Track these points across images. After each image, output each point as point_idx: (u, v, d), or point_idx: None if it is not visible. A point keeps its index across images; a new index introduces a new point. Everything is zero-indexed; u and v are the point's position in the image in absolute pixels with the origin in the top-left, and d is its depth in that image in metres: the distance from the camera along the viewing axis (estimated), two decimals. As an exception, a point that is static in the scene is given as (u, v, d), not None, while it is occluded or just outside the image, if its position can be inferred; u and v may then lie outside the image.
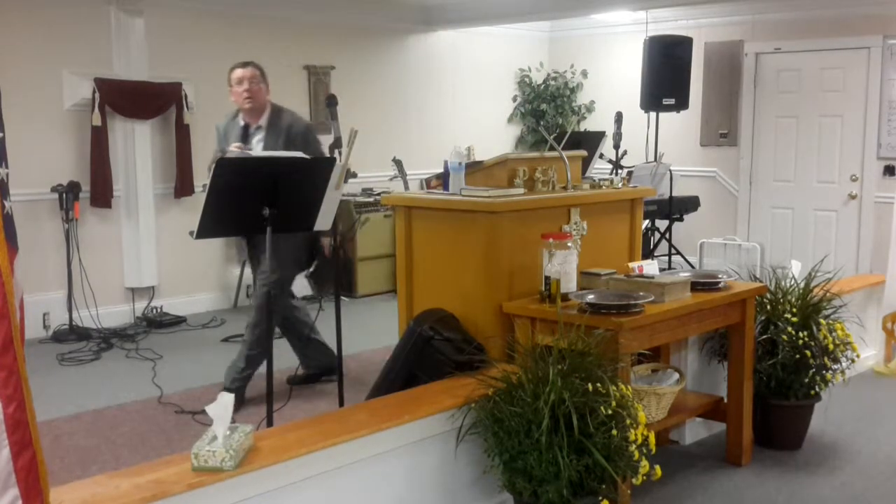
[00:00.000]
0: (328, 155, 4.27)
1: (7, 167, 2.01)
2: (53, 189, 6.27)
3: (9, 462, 1.89)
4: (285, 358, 4.95)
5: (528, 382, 2.94)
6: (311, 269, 4.83)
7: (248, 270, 6.63)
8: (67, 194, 6.26)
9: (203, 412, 3.43)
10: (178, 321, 6.70)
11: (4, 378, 1.89)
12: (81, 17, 6.43)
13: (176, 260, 6.98)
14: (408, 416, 3.00)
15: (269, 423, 3.56)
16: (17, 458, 1.90)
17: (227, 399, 2.58)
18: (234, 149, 4.47)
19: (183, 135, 6.87)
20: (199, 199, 4.22)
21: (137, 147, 6.74)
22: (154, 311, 6.77)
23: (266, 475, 2.58)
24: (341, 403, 4.05)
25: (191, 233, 3.75)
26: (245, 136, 4.61)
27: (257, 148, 4.57)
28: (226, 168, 3.45)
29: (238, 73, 4.69)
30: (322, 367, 4.96)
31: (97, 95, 6.39)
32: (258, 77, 4.69)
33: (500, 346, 3.51)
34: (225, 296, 7.32)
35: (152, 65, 6.72)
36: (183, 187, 6.90)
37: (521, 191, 3.89)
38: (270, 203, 3.50)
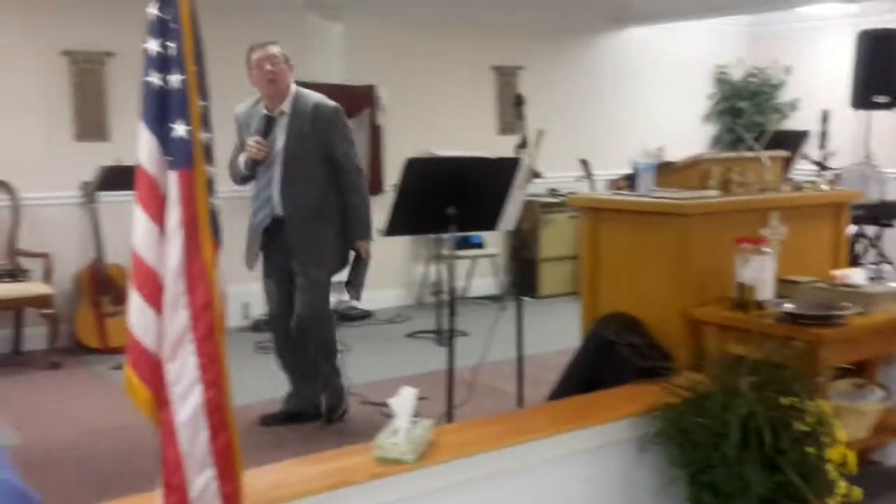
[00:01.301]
0: (353, 144, 4.24)
1: (214, 166, 2.12)
2: (256, 186, 6.63)
3: (207, 443, 2.00)
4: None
5: (717, 393, 2.81)
6: (349, 276, 4.38)
7: (432, 267, 6.77)
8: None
9: (387, 404, 3.52)
10: (366, 315, 6.92)
11: (206, 364, 2.01)
12: (282, 22, 6.76)
13: (365, 256, 7.20)
14: (589, 420, 2.94)
15: (450, 419, 3.60)
16: (215, 439, 2.01)
17: (409, 393, 2.62)
18: (252, 143, 4.11)
19: (375, 135, 7.10)
20: (388, 197, 4.33)
21: (333, 147, 7.00)
22: (344, 304, 7.03)
23: (445, 470, 2.61)
24: (520, 404, 4.04)
25: (379, 230, 3.86)
26: (268, 125, 4.14)
27: (280, 137, 4.16)
28: (415, 167, 3.52)
29: (259, 53, 4.20)
30: (304, 409, 4.48)
31: (297, 98, 6.70)
32: (281, 57, 4.20)
33: (687, 353, 3.38)
34: (409, 292, 7.49)
35: (348, 68, 6.98)
36: (373, 186, 7.11)
37: (715, 193, 3.73)
38: (455, 202, 3.53)
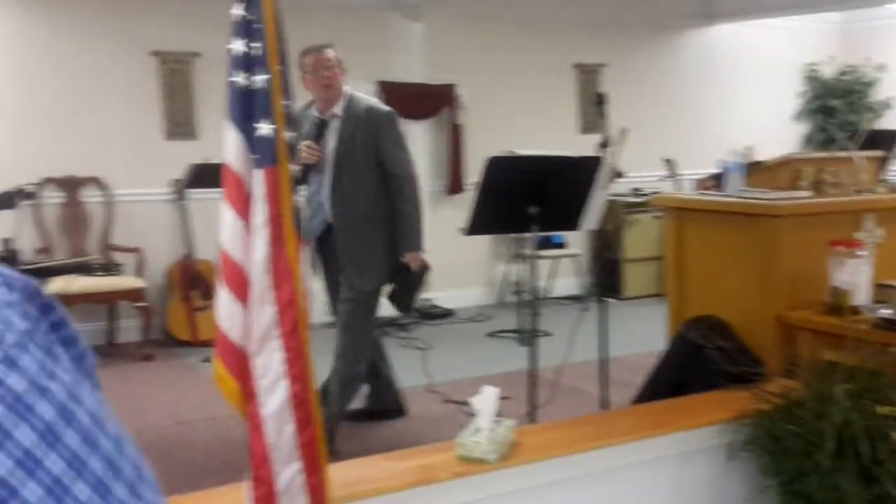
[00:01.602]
0: (405, 150, 4.07)
1: (296, 165, 2.15)
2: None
3: (293, 437, 2.03)
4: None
5: (811, 400, 2.72)
6: (393, 287, 4.13)
7: (513, 267, 6.74)
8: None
9: (468, 403, 3.51)
10: (447, 314, 6.93)
11: (291, 359, 2.03)
12: (365, 23, 6.83)
13: (446, 255, 7.21)
14: (675, 425, 2.88)
15: (532, 420, 3.57)
16: (301, 433, 2.03)
17: (491, 392, 2.61)
18: (304, 147, 3.93)
19: (456, 134, 7.11)
20: (469, 196, 4.32)
21: (414, 146, 7.00)
22: (426, 303, 7.06)
23: (527, 471, 2.58)
24: (605, 406, 3.98)
25: (461, 229, 3.86)
26: (320, 129, 3.98)
27: (331, 141, 4.01)
28: (496, 166, 3.50)
29: (314, 57, 4.03)
30: (386, 405, 4.50)
31: (379, 98, 6.76)
32: (336, 61, 4.05)
33: (778, 358, 3.27)
34: (491, 291, 7.48)
35: (429, 67, 7.00)
36: (455, 185, 7.14)
37: (807, 193, 3.61)
38: (537, 202, 3.50)
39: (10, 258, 3.98)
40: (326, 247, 4.11)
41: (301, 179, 3.99)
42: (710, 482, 2.96)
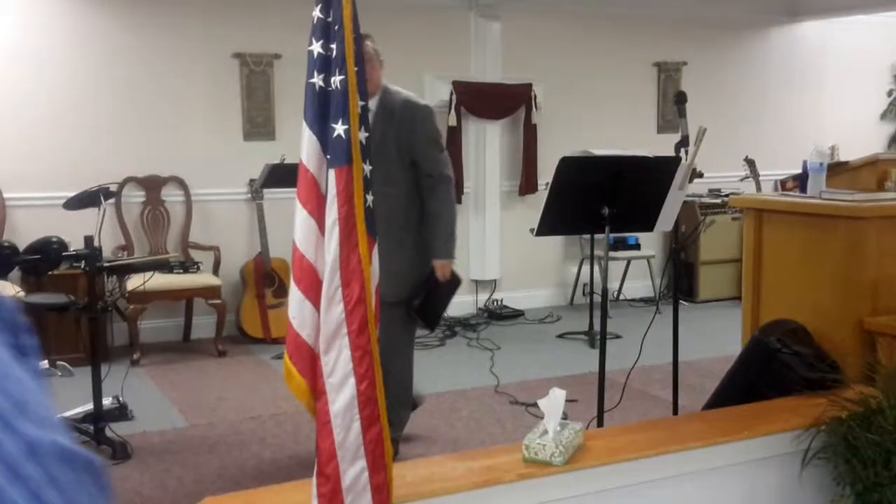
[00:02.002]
0: (442, 149, 3.78)
1: (370, 164, 2.16)
2: (412, 184, 6.75)
3: (359, 435, 2.04)
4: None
5: (891, 409, 2.62)
6: (419, 300, 3.74)
7: (585, 268, 6.68)
8: (423, 189, 6.71)
9: (535, 405, 3.50)
10: (517, 314, 6.91)
11: (359, 357, 2.05)
12: (443, 23, 6.85)
13: (517, 255, 7.20)
14: (748, 431, 2.81)
15: (600, 423, 3.54)
16: (367, 431, 2.05)
17: (559, 394, 2.59)
18: None
19: (530, 134, 7.08)
20: (542, 196, 4.29)
21: (488, 146, 7.05)
22: (495, 303, 7.05)
23: (594, 475, 2.56)
24: (675, 412, 3.91)
25: (532, 230, 3.83)
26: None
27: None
28: (568, 166, 3.47)
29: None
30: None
31: (454, 97, 6.78)
32: (374, 53, 3.74)
33: (857, 365, 3.17)
34: (562, 292, 7.42)
35: (505, 67, 6.99)
36: (528, 185, 7.11)
37: (893, 195, 3.49)
38: (611, 202, 3.46)
39: (92, 255, 4.12)
40: None
41: None
42: (784, 490, 2.88)
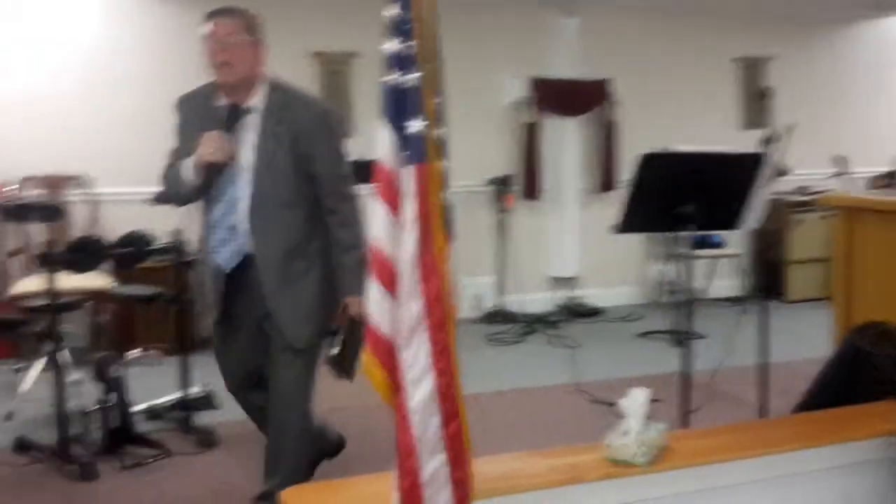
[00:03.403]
0: (344, 159, 3.11)
1: (447, 161, 2.17)
2: (489, 182, 6.74)
3: (438, 430, 2.05)
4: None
5: None
6: (337, 348, 3.03)
7: (668, 266, 6.57)
8: (502, 187, 6.70)
9: (617, 404, 3.46)
10: (597, 312, 6.84)
11: (438, 353, 2.05)
12: (521, 19, 6.82)
13: (597, 253, 7.12)
14: (838, 436, 2.72)
15: (684, 424, 3.47)
16: (446, 426, 2.05)
17: (641, 394, 2.55)
18: (210, 139, 2.89)
19: (609, 131, 7.00)
20: (621, 194, 4.23)
21: (566, 143, 7.00)
22: (574, 300, 6.99)
23: (677, 477, 2.51)
24: (763, 414, 3.81)
25: (611, 227, 3.78)
26: (230, 120, 2.95)
27: (248, 143, 2.98)
28: (649, 163, 3.41)
29: (214, 26, 2.96)
30: (325, 450, 3.61)
31: (532, 94, 6.75)
32: (240, 31, 2.99)
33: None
34: (643, 291, 7.32)
35: (584, 63, 6.92)
36: (607, 182, 7.03)
37: None
38: (694, 200, 3.39)
39: (178, 247, 4.26)
40: (237, 285, 3.05)
41: (199, 191, 3.02)
42: (875, 497, 2.78)
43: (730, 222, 3.60)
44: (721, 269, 7.17)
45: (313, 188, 3.03)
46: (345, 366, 3.02)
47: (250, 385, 3.26)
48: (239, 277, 3.04)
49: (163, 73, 5.93)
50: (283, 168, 2.97)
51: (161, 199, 3.27)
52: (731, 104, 7.57)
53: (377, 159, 2.12)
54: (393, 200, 2.10)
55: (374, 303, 2.10)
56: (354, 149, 5.84)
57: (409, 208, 2.06)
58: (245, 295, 3.06)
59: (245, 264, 3.02)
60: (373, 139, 2.17)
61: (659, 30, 7.17)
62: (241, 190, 2.98)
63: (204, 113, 3.01)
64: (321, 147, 3.02)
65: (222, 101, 3.01)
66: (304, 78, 6.33)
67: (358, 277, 2.90)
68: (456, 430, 2.06)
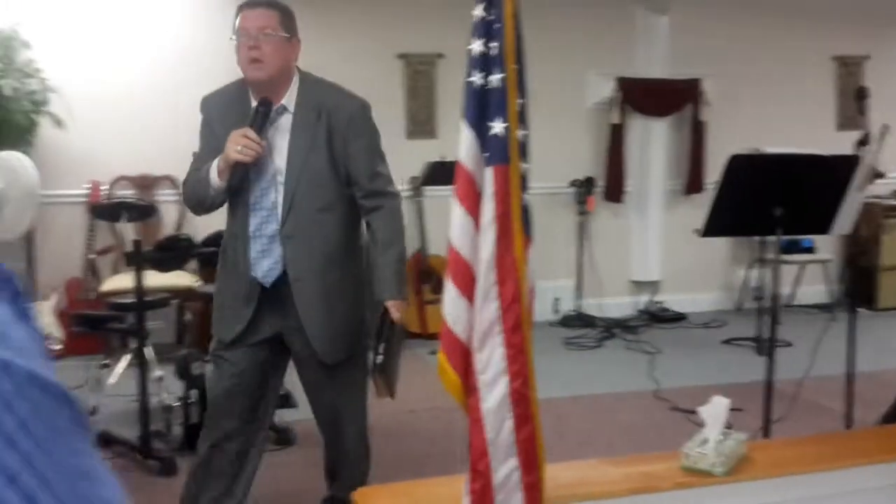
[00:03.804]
0: (381, 152, 2.91)
1: (528, 162, 2.16)
2: (571, 184, 6.68)
3: (511, 433, 2.04)
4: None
5: None
6: (381, 358, 2.69)
7: (755, 272, 6.40)
8: (583, 189, 6.64)
9: (696, 412, 3.39)
10: (679, 318, 6.71)
11: (513, 356, 2.04)
12: (608, 18, 6.74)
13: (680, 257, 6.99)
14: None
15: (766, 434, 3.38)
16: (519, 430, 2.04)
17: (722, 402, 2.49)
18: (240, 138, 2.62)
19: (698, 132, 6.86)
20: (708, 196, 4.14)
21: (652, 144, 6.89)
22: (656, 305, 6.87)
23: (757, 488, 2.44)
24: (849, 425, 3.68)
25: (696, 230, 3.71)
26: (259, 120, 2.68)
27: (282, 142, 2.76)
28: (738, 165, 3.33)
29: (242, 16, 2.71)
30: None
31: (618, 94, 6.66)
32: (274, 25, 2.69)
33: None
34: (728, 296, 7.15)
35: (673, 62, 6.80)
36: (693, 184, 6.89)
37: None
38: (784, 202, 3.30)
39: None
40: (270, 300, 2.80)
41: (223, 195, 2.78)
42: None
43: (820, 226, 3.50)
44: (810, 275, 6.96)
45: (348, 189, 2.81)
46: (388, 378, 2.71)
47: (242, 429, 2.90)
48: (273, 291, 2.78)
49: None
50: (319, 168, 2.75)
51: (189, 204, 2.97)
52: (826, 104, 7.33)
53: (458, 159, 2.13)
54: (472, 202, 2.10)
55: (449, 304, 2.10)
56: (438, 150, 5.95)
57: (489, 210, 2.06)
58: (276, 310, 2.80)
59: (284, 277, 2.77)
60: (455, 140, 2.18)
61: (753, 27, 6.98)
62: (274, 197, 2.76)
63: (233, 113, 2.78)
64: (357, 143, 2.79)
65: (253, 100, 2.77)
66: (389, 79, 6.39)
67: (399, 278, 2.80)
68: (529, 434, 2.05)
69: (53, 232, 5.73)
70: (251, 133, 2.63)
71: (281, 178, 2.75)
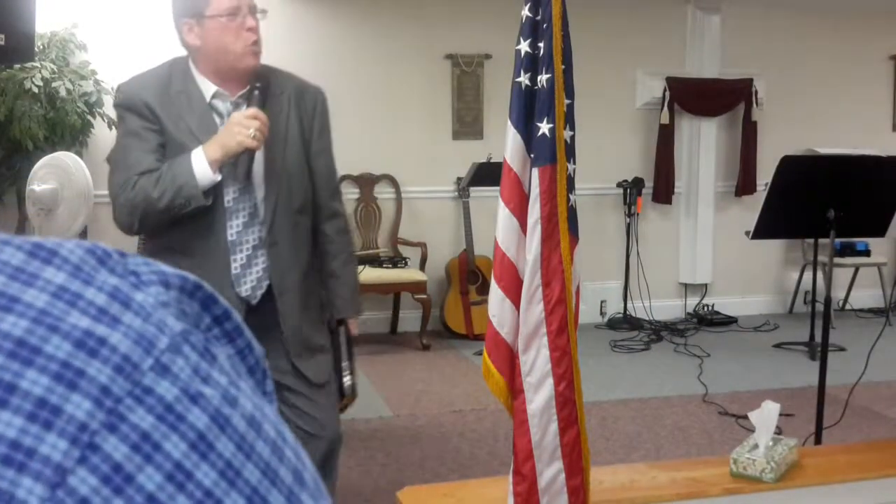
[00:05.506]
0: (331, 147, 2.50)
1: (574, 163, 2.14)
2: (619, 184, 6.62)
3: (556, 436, 2.02)
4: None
5: None
6: (350, 375, 2.62)
7: (807, 275, 6.27)
8: (631, 189, 6.57)
9: (746, 417, 3.33)
10: (729, 321, 6.60)
11: (558, 358, 2.03)
12: (658, 17, 6.66)
13: (731, 259, 6.89)
14: None
15: (818, 441, 3.31)
16: (564, 433, 2.03)
17: (772, 408, 2.45)
18: (245, 126, 2.22)
19: (749, 132, 6.74)
20: (759, 198, 4.06)
21: (702, 145, 6.79)
22: (705, 308, 6.78)
23: (807, 495, 2.40)
24: (905, 433, 3.59)
25: (747, 232, 3.65)
26: (259, 105, 2.29)
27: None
28: (791, 166, 3.27)
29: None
30: None
31: (667, 94, 6.58)
32: (254, 7, 2.34)
33: None
34: (780, 300, 7.02)
35: (724, 62, 6.70)
36: (745, 185, 6.78)
37: None
38: (837, 204, 3.23)
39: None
40: (259, 322, 2.22)
41: (244, 180, 2.34)
42: None
43: (877, 229, 3.43)
44: (865, 278, 6.82)
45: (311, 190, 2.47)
46: (353, 397, 2.60)
47: None
48: (261, 311, 2.37)
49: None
50: (294, 161, 2.39)
51: (131, 218, 2.37)
52: (883, 104, 7.17)
53: (504, 160, 2.12)
54: (518, 203, 2.09)
55: (495, 305, 2.10)
56: (484, 151, 5.94)
57: (534, 211, 2.05)
58: (270, 333, 2.34)
59: (270, 293, 2.38)
60: (501, 141, 2.17)
61: (807, 26, 6.86)
62: (259, 196, 2.35)
63: (184, 102, 2.31)
64: (322, 140, 2.46)
65: (204, 86, 2.33)
66: (437, 79, 6.40)
67: (357, 293, 2.57)
68: (574, 437, 2.04)
69: (106, 232, 5.83)
70: (262, 114, 2.24)
71: (261, 172, 2.35)
